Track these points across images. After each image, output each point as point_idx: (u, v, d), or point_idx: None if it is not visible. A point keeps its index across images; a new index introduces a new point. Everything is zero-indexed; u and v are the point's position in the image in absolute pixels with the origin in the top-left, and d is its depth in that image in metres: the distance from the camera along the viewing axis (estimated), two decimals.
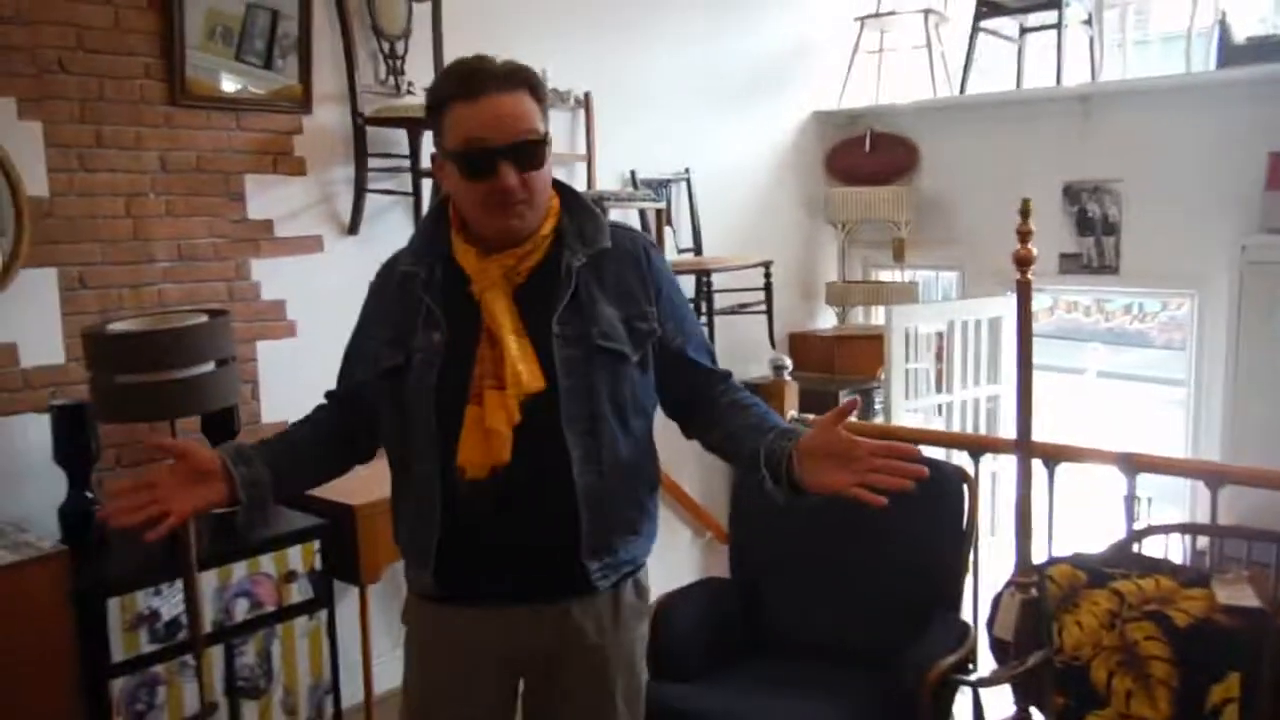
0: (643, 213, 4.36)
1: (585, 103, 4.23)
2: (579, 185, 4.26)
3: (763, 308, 4.52)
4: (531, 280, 1.68)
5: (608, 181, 4.34)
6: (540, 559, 1.71)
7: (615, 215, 4.21)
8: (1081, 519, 3.82)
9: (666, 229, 4.39)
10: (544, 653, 1.76)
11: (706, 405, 1.86)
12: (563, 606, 1.74)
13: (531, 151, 1.61)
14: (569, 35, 4.17)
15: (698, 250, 4.66)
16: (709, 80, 4.78)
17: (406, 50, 3.60)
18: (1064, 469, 2.95)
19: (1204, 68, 4.52)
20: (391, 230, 3.62)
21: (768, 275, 4.48)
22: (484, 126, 1.58)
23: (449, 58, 3.66)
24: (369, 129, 3.49)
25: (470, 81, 1.59)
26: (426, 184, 3.60)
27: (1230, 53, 4.34)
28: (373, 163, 3.52)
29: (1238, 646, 2.34)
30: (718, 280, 4.38)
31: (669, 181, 4.54)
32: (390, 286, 1.76)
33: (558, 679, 1.79)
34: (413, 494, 1.73)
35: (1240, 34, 4.38)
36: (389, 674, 3.63)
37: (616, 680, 1.80)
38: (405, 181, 3.59)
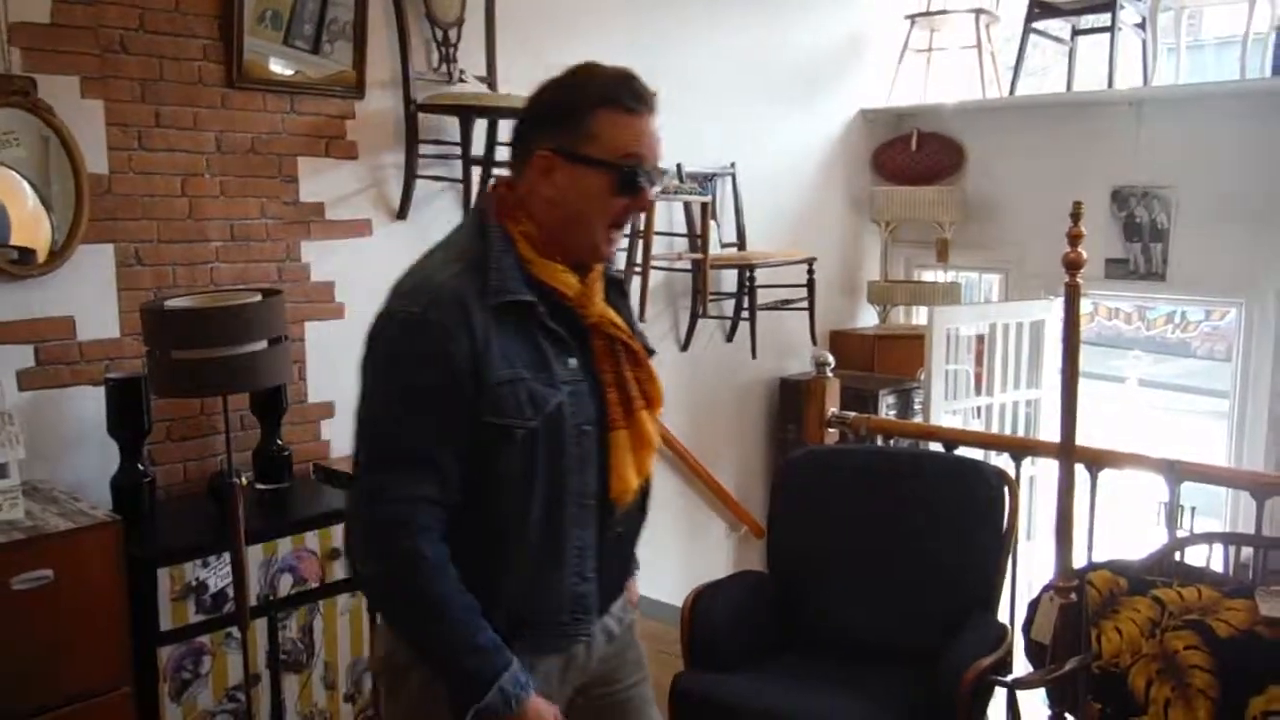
0: (688, 206, 4.37)
1: None
2: None
3: (805, 304, 4.53)
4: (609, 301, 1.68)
5: None
6: (632, 567, 1.79)
7: (660, 208, 4.24)
8: (1120, 525, 3.81)
9: (711, 223, 4.39)
10: (609, 659, 1.75)
11: None
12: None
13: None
14: (617, 25, 4.19)
15: (741, 245, 4.67)
16: (757, 74, 4.78)
17: (460, 38, 3.62)
18: (1105, 475, 2.94)
19: (1259, 74, 4.47)
20: (440, 215, 3.66)
21: (811, 272, 4.49)
22: (644, 144, 1.53)
23: (502, 46, 3.73)
24: (421, 115, 3.52)
25: (636, 93, 1.53)
26: (475, 171, 3.63)
27: None
28: (424, 149, 3.54)
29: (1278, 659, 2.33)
30: (760, 276, 4.38)
31: (714, 175, 4.55)
32: (488, 321, 1.48)
33: (615, 678, 1.78)
34: (553, 542, 1.57)
35: None
36: None
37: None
38: (455, 168, 3.62)
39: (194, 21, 3.04)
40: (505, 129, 3.64)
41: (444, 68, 3.59)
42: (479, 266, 1.50)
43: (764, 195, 4.82)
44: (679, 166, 4.43)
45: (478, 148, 3.56)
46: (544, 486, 1.52)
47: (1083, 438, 3.03)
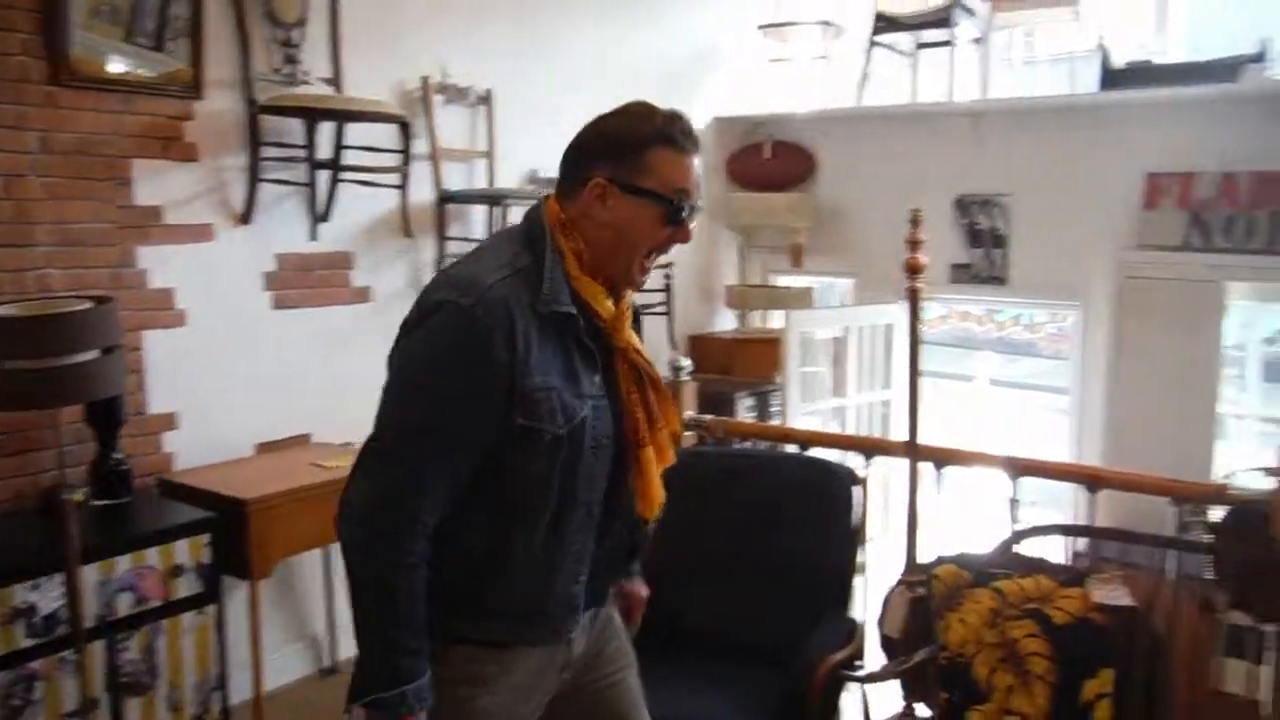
0: None
1: (487, 99, 4.21)
2: (479, 182, 4.24)
3: (664, 309, 4.56)
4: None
5: (508, 179, 4.32)
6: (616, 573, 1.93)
7: (516, 212, 4.20)
8: (973, 521, 3.95)
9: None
10: (590, 653, 1.86)
11: None
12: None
13: None
14: (469, 30, 4.16)
15: None
16: (612, 81, 4.78)
17: (304, 38, 3.52)
18: (957, 473, 3.04)
19: (1087, 89, 4.70)
20: (286, 219, 3.56)
21: (668, 277, 4.52)
22: (691, 180, 1.63)
23: (346, 48, 3.65)
24: (264, 117, 3.40)
25: (687, 133, 1.64)
26: (322, 175, 3.54)
27: (1110, 76, 4.52)
28: (268, 152, 3.43)
29: (1111, 643, 2.44)
30: None
31: None
32: (531, 328, 1.55)
33: (598, 668, 1.88)
34: (553, 547, 1.66)
35: (1120, 59, 4.57)
36: (278, 671, 3.58)
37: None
38: (301, 172, 3.51)
39: (14, 15, 2.88)
40: (353, 132, 3.57)
41: (287, 69, 3.49)
42: (530, 274, 1.58)
43: None
44: (534, 171, 4.41)
45: (325, 150, 3.47)
46: (558, 491, 1.62)
47: (933, 436, 3.14)
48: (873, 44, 5.09)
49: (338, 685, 2.97)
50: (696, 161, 1.64)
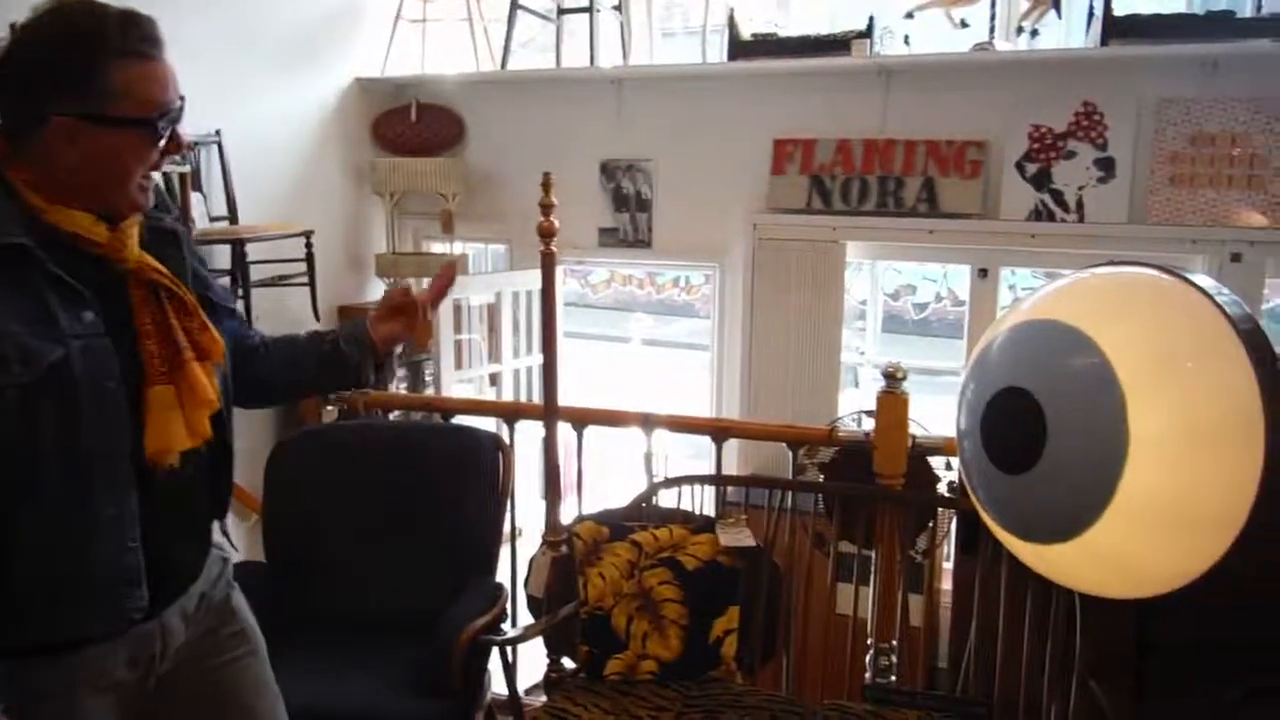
0: (166, 176, 4.02)
1: None
2: None
3: (305, 279, 4.36)
4: (144, 246, 1.54)
5: None
6: (204, 544, 1.70)
7: None
8: (623, 480, 4.08)
9: (195, 195, 4.08)
10: (195, 640, 1.67)
11: (251, 351, 1.83)
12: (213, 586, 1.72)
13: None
14: None
15: (233, 219, 4.38)
16: (242, 39, 4.50)
17: None
18: (608, 433, 3.12)
19: (717, 59, 4.94)
20: None
21: (309, 245, 4.32)
22: (169, 91, 1.46)
23: None
24: None
25: (150, 38, 1.44)
26: None
27: (737, 47, 4.78)
28: None
29: (736, 582, 2.59)
30: (254, 250, 4.14)
31: (196, 144, 4.22)
32: None
33: (208, 656, 1.70)
34: (79, 510, 1.44)
35: (746, 32, 4.83)
36: None
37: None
38: None
39: None
40: None
41: None
42: None
43: (256, 166, 4.55)
44: None
45: None
46: (56, 449, 1.40)
47: (584, 398, 3.21)
48: (515, 6, 5.08)
49: None
50: (168, 60, 1.46)
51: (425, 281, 5.23)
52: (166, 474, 1.51)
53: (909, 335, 10.15)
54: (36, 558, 1.42)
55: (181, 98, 1.49)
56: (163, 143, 1.48)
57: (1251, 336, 1.60)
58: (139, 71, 1.42)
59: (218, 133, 4.32)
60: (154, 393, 1.49)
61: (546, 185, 2.75)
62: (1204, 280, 1.72)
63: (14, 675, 1.45)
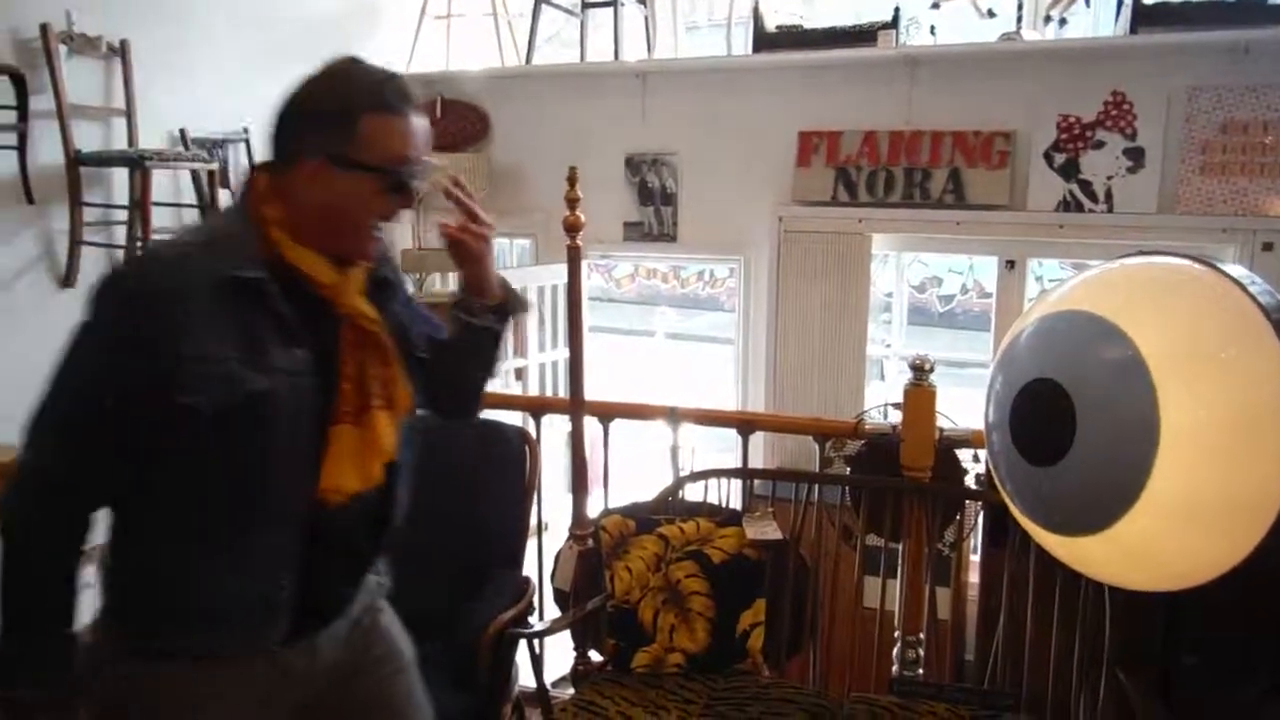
0: (195, 174, 4.06)
1: (122, 51, 3.86)
2: (119, 143, 3.90)
3: None
4: (366, 294, 1.61)
5: (152, 139, 3.99)
6: (359, 581, 1.74)
7: (161, 176, 3.90)
8: (650, 473, 4.08)
9: (223, 192, 4.12)
10: (343, 664, 1.71)
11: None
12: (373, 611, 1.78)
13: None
14: None
15: None
16: (269, 35, 4.53)
17: None
18: (635, 427, 3.12)
19: (744, 52, 4.93)
20: None
21: None
22: (412, 144, 1.51)
23: None
24: None
25: (401, 93, 1.51)
26: None
27: (762, 40, 4.76)
28: None
29: (763, 575, 2.59)
30: None
31: (225, 142, 4.26)
32: (203, 297, 1.42)
33: (353, 689, 1.74)
34: (252, 536, 1.51)
35: (771, 24, 4.81)
36: None
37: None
38: None
39: None
40: None
41: None
42: (221, 245, 1.48)
43: None
44: (183, 132, 4.10)
45: None
46: (235, 476, 1.47)
47: (609, 392, 3.21)
48: (539, 1, 5.08)
49: None
50: (417, 120, 1.53)
51: (453, 278, 5.26)
52: (333, 513, 1.56)
53: (935, 328, 10.10)
54: (195, 569, 1.49)
55: (427, 158, 1.55)
56: (397, 196, 1.53)
57: None
58: (386, 124, 1.49)
59: (245, 130, 4.35)
60: (336, 432, 1.55)
61: (572, 179, 2.75)
62: (1236, 270, 1.70)
63: (158, 677, 1.53)
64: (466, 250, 1.72)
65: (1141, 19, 4.03)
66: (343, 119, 1.48)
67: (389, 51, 5.30)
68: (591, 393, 2.87)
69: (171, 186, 4.07)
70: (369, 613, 1.78)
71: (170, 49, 4.05)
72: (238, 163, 4.34)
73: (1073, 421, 1.70)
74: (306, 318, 1.51)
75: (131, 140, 3.90)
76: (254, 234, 1.50)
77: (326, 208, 1.51)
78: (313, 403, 1.51)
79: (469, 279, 1.76)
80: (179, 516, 1.49)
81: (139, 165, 3.67)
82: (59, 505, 1.45)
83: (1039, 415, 1.78)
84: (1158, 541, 1.67)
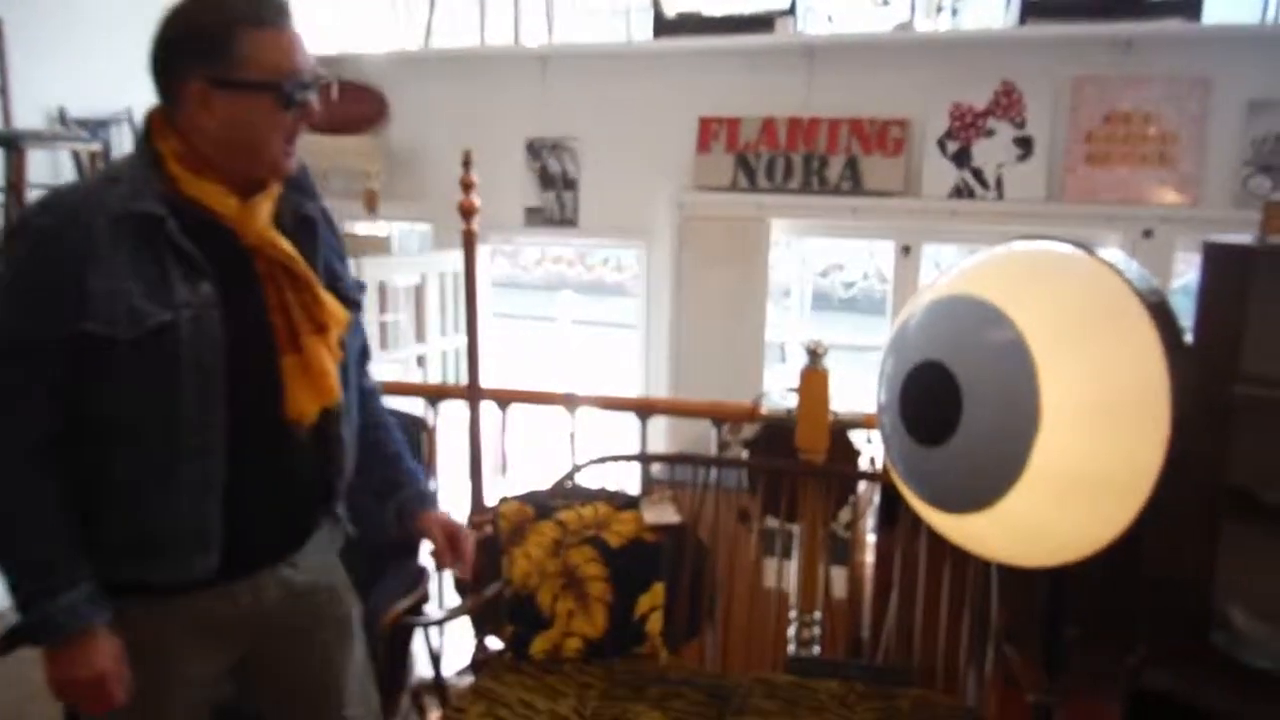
0: (76, 155, 3.91)
1: None
2: None
3: None
4: (281, 226, 1.61)
5: (29, 119, 3.83)
6: (304, 523, 1.74)
7: (39, 157, 3.75)
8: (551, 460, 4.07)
9: None
10: (290, 613, 1.73)
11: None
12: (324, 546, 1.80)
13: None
14: None
15: None
16: (155, 13, 4.36)
17: None
18: (531, 413, 3.10)
19: (644, 38, 4.91)
20: None
21: None
22: (296, 56, 1.52)
23: None
24: None
25: (276, 7, 1.52)
26: None
27: (662, 25, 4.76)
28: None
29: (660, 559, 2.60)
30: None
31: (108, 122, 4.10)
32: (105, 234, 1.45)
33: (297, 633, 1.75)
34: (178, 468, 1.53)
35: (671, 9, 4.81)
36: None
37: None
38: None
39: None
40: None
41: None
42: (121, 181, 1.50)
43: None
44: (62, 111, 3.94)
45: None
46: (150, 407, 1.50)
47: (517, 379, 3.19)
48: None
49: None
50: (296, 31, 1.52)
51: (352, 263, 5.16)
52: (294, 444, 1.61)
53: (838, 312, 10.28)
54: (123, 503, 1.53)
55: (314, 68, 1.55)
56: (294, 110, 1.52)
57: (1158, 309, 1.63)
58: (266, 39, 1.49)
59: (129, 110, 4.19)
60: (285, 362, 1.59)
61: (466, 162, 2.72)
62: (1112, 255, 1.76)
63: (122, 613, 1.55)
64: (451, 556, 1.93)
65: (1030, 10, 4.13)
66: (217, 39, 1.49)
67: None
68: (494, 379, 2.84)
69: (50, 168, 3.91)
70: (326, 573, 1.80)
71: (49, 25, 3.88)
72: (122, 144, 4.18)
73: (959, 402, 1.73)
74: (214, 252, 1.53)
75: (7, 119, 3.73)
76: (154, 170, 1.51)
77: (224, 135, 1.51)
78: (216, 336, 1.52)
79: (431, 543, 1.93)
80: (111, 451, 1.51)
81: (13, 146, 3.51)
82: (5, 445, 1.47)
83: (926, 397, 1.81)
84: (1040, 517, 1.71)
